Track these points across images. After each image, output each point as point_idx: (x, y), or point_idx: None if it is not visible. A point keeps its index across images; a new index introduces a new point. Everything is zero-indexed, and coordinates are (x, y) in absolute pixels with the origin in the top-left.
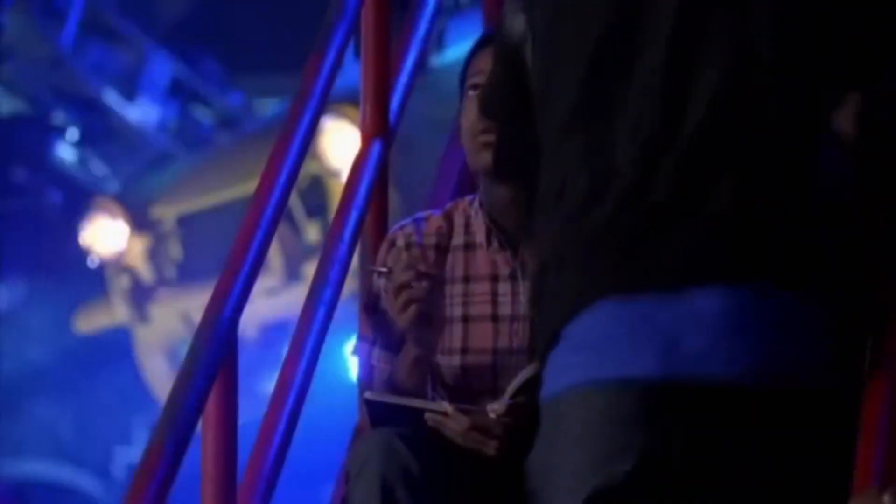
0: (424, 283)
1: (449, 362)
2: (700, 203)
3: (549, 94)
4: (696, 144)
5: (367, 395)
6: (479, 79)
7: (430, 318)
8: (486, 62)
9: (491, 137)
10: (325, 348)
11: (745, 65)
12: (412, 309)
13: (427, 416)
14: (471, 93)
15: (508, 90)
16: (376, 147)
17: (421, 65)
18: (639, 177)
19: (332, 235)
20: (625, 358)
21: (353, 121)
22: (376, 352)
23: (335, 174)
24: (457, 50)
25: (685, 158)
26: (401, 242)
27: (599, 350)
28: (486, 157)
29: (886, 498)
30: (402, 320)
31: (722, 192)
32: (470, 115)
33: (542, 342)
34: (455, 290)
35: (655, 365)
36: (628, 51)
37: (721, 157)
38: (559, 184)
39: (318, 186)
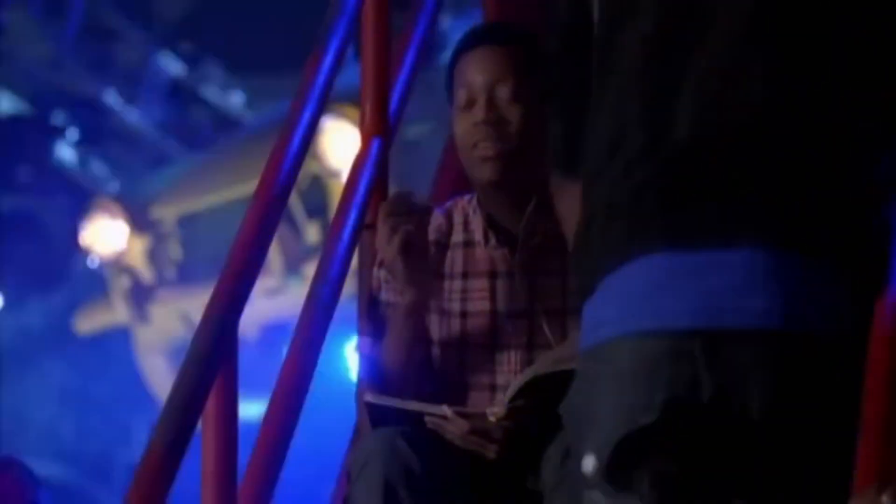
0: (411, 225)
1: (447, 357)
2: (749, 168)
3: (613, 46)
4: (755, 114)
5: (368, 397)
6: (469, 92)
7: (417, 252)
8: (473, 72)
9: (489, 150)
10: (325, 348)
11: (810, 50)
12: (397, 238)
13: (427, 419)
14: (461, 102)
15: (573, 47)
16: (376, 146)
17: (421, 65)
18: (695, 135)
19: (331, 235)
20: (662, 310)
21: (353, 120)
22: (372, 347)
23: (335, 174)
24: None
25: (743, 125)
26: None
27: (638, 302)
28: (485, 171)
29: (885, 498)
30: (388, 252)
31: (773, 162)
32: (463, 125)
33: (582, 292)
34: (454, 286)
35: (691, 317)
36: (701, 12)
37: (777, 130)
38: (616, 138)
39: (318, 186)
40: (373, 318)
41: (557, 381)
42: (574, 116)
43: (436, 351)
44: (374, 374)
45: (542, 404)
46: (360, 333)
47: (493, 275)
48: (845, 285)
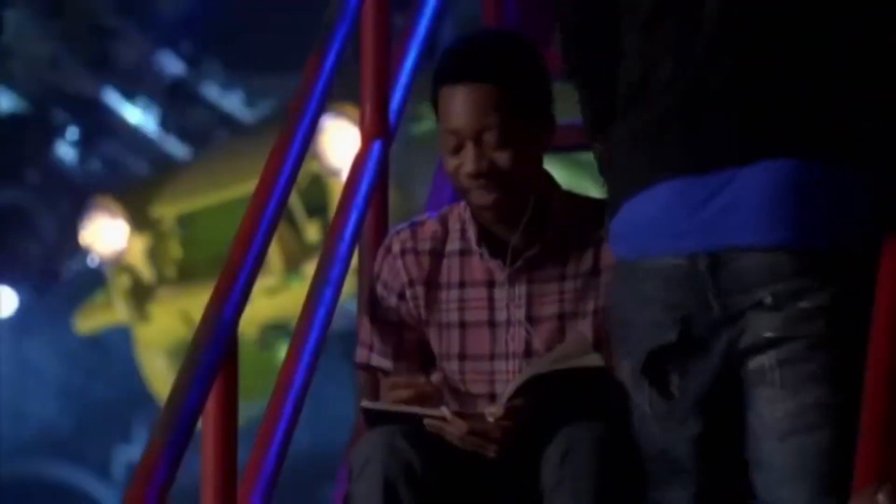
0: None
1: (447, 367)
2: (756, 88)
3: None
4: (759, 39)
5: (364, 403)
6: (457, 137)
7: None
8: (458, 116)
9: (482, 199)
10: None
11: None
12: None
13: (426, 422)
14: (449, 146)
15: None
16: (376, 146)
17: (422, 64)
18: (711, 64)
19: (331, 235)
20: (673, 233)
21: (353, 120)
22: (375, 358)
23: (335, 173)
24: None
25: (749, 49)
26: (396, 249)
27: (652, 228)
28: (479, 209)
29: (881, 496)
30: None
31: (786, 80)
32: (452, 166)
33: (609, 213)
34: (451, 296)
35: (702, 238)
36: None
37: (781, 52)
38: (642, 73)
39: (318, 186)
40: (369, 330)
41: (555, 381)
42: (599, 85)
43: (435, 362)
44: (371, 388)
45: (541, 403)
46: (359, 344)
47: (490, 284)
48: (856, 199)
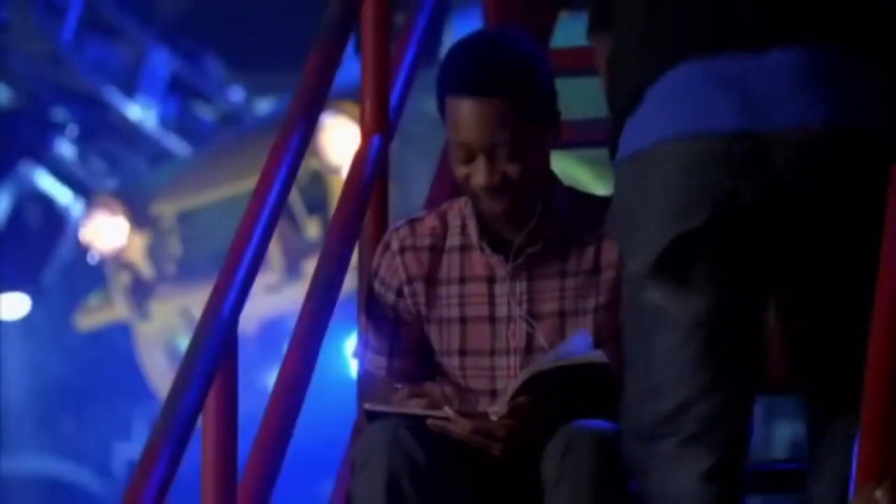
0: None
1: (448, 363)
2: None
3: None
4: None
5: (367, 406)
6: (466, 150)
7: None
8: (467, 130)
9: (494, 208)
10: (324, 344)
11: None
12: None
13: (429, 422)
14: (459, 156)
15: None
16: (376, 143)
17: (422, 62)
18: None
19: (331, 232)
20: (707, 111)
21: (353, 117)
22: (370, 356)
23: (335, 170)
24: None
25: None
26: (395, 246)
27: (682, 105)
28: (490, 206)
29: (878, 492)
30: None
31: None
32: (461, 175)
33: (621, 105)
34: (451, 291)
35: (735, 116)
36: None
37: None
38: None
39: (318, 183)
40: (366, 328)
41: (558, 378)
42: None
43: (435, 358)
44: (368, 386)
45: (544, 401)
46: (358, 340)
47: (491, 279)
48: (884, 80)
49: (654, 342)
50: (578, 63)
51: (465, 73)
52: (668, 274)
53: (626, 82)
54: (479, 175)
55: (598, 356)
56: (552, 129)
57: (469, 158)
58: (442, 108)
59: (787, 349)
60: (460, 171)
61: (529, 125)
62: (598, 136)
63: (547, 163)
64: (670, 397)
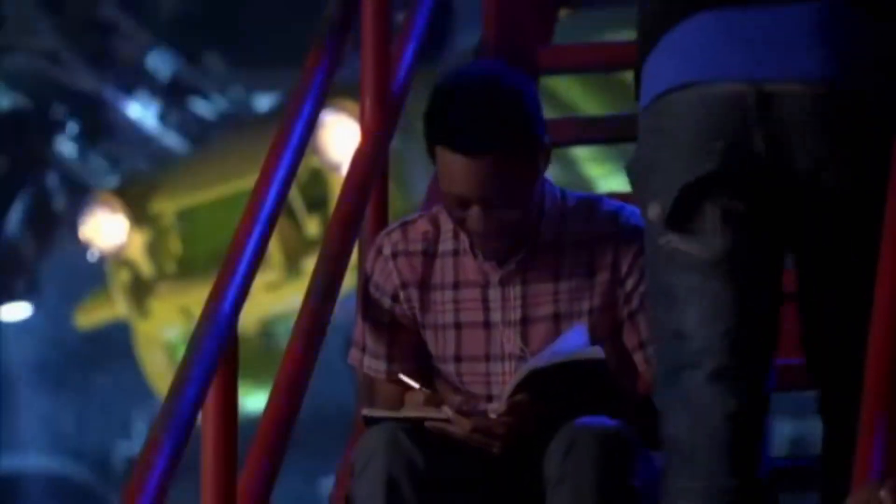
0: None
1: (444, 369)
2: None
3: None
4: None
5: (365, 411)
6: (460, 198)
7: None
8: (462, 184)
9: (489, 248)
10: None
11: None
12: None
13: (427, 424)
14: (452, 202)
15: None
16: (376, 141)
17: (422, 60)
18: None
19: (331, 229)
20: (718, 61)
21: (353, 115)
22: (367, 360)
23: (335, 168)
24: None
25: None
26: (387, 251)
27: (694, 54)
28: (484, 244)
29: (883, 492)
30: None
31: None
32: (455, 216)
33: (643, 50)
34: (446, 297)
35: (746, 68)
36: None
37: None
38: None
39: (318, 180)
40: (362, 331)
41: (556, 375)
42: None
43: (433, 363)
44: (363, 389)
45: (543, 398)
46: (353, 344)
47: (484, 284)
48: (888, 31)
49: (675, 284)
50: (579, 61)
51: (455, 129)
52: (685, 217)
53: (648, 23)
54: (474, 222)
55: (596, 352)
56: (544, 159)
57: (463, 206)
58: (431, 152)
59: (802, 336)
60: (454, 213)
61: (523, 168)
62: (600, 135)
63: (540, 188)
64: (693, 337)
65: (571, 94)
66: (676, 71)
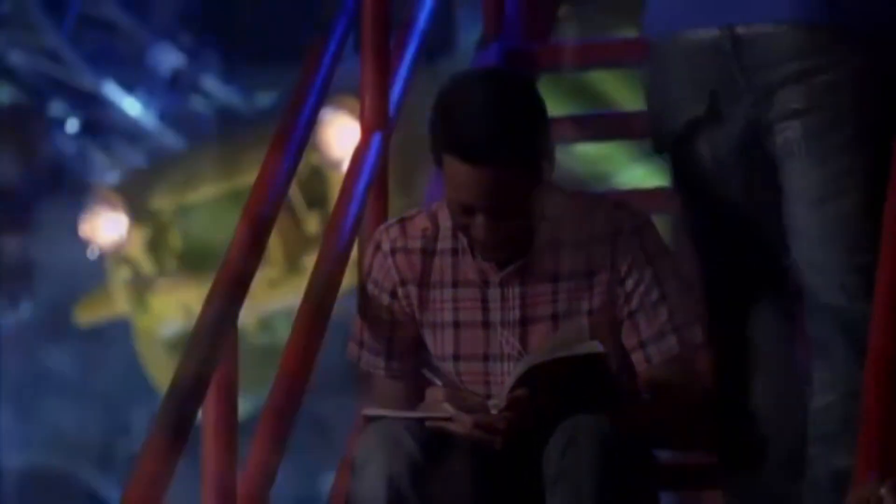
0: None
1: (443, 368)
2: None
3: None
4: None
5: (366, 411)
6: (465, 207)
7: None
8: (468, 193)
9: (492, 256)
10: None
11: None
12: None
13: (427, 423)
14: (457, 209)
15: None
16: (376, 139)
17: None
18: None
19: (331, 227)
20: (706, 7)
21: (353, 112)
22: (367, 357)
23: (335, 165)
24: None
25: None
26: (386, 247)
27: (681, 4)
28: (487, 253)
29: (883, 490)
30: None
31: None
32: (460, 222)
33: None
34: (445, 295)
35: (723, 14)
36: None
37: None
38: None
39: (318, 177)
40: (360, 328)
41: (556, 370)
42: None
43: (432, 361)
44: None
45: (543, 393)
46: (351, 339)
47: (483, 284)
48: None
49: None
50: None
51: (462, 138)
52: (680, 156)
53: None
54: (479, 231)
55: (594, 346)
56: (550, 164)
57: (468, 213)
58: (438, 159)
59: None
60: (458, 220)
61: (529, 176)
62: (603, 132)
63: (543, 191)
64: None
65: (605, 87)
66: (664, 20)
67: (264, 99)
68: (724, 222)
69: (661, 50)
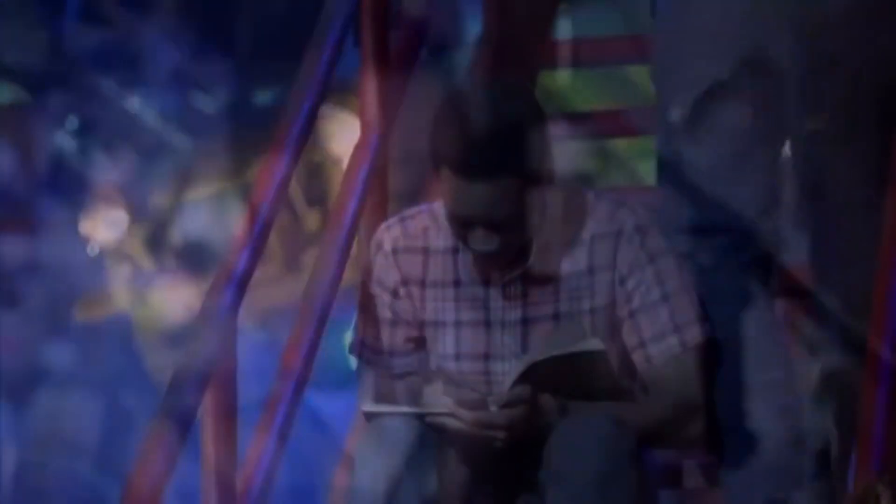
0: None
1: (443, 367)
2: None
3: None
4: None
5: (366, 407)
6: (463, 218)
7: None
8: (466, 206)
9: (490, 266)
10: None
11: None
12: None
13: (428, 420)
14: (456, 220)
15: None
16: (375, 136)
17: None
18: None
19: (331, 224)
20: None
21: (354, 110)
22: (366, 354)
23: (336, 162)
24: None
25: None
26: (388, 247)
27: None
28: (485, 263)
29: (880, 487)
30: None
31: None
32: (457, 231)
33: None
34: (446, 294)
35: None
36: None
37: None
38: None
39: (318, 174)
40: (362, 324)
41: (556, 368)
42: None
43: (434, 360)
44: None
45: (543, 390)
46: (352, 332)
47: (485, 283)
48: None
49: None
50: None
51: (461, 153)
52: (699, 123)
53: None
54: (477, 242)
55: (594, 344)
56: (549, 170)
57: (467, 226)
58: (435, 168)
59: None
60: (457, 231)
61: (528, 187)
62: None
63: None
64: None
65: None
66: None
67: (265, 96)
68: None
69: (682, 9)
